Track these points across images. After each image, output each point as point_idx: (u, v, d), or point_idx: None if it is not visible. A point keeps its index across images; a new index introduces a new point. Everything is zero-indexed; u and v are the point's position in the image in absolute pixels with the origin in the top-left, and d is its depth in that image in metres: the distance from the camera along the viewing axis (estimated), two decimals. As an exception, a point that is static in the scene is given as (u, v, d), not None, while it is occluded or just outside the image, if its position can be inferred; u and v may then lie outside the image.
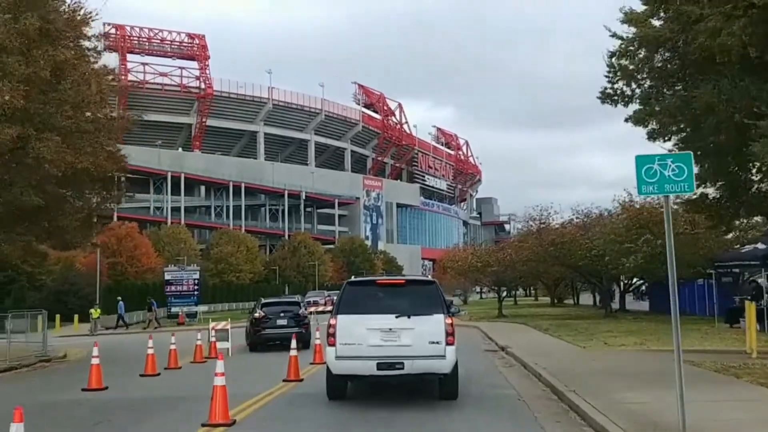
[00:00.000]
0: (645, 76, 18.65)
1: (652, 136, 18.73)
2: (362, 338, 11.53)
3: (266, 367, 19.43)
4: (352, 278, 14.35)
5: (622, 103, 19.05)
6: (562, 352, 19.85)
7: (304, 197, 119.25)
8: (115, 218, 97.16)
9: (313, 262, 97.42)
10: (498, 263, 35.97)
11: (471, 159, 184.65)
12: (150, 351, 18.33)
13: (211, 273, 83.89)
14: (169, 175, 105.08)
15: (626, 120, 19.01)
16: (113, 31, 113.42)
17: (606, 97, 19.08)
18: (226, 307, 72.32)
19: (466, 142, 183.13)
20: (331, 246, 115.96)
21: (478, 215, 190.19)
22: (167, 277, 42.85)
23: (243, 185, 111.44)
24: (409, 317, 11.62)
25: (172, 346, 20.22)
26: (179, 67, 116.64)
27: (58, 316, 43.83)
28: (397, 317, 11.59)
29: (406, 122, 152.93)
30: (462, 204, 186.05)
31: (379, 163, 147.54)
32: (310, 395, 13.24)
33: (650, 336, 22.50)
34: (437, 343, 11.51)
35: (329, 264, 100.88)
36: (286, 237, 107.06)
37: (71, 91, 21.10)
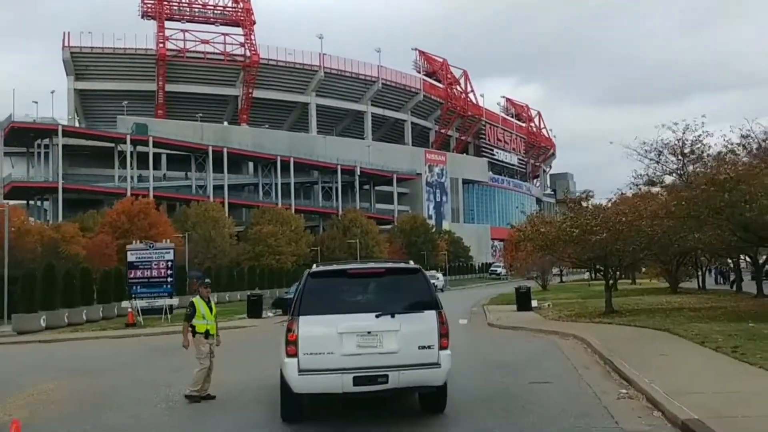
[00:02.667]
0: None
1: None
2: (333, 346, 9.06)
3: None
4: (314, 267, 10.14)
5: None
6: None
7: (359, 173, 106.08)
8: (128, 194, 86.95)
9: (367, 243, 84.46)
10: (607, 228, 21.88)
11: (544, 131, 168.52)
12: None
13: (248, 256, 71.91)
14: (211, 150, 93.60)
15: None
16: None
17: None
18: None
19: (539, 113, 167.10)
20: (389, 227, 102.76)
21: (552, 192, 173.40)
22: (131, 258, 30.26)
23: (292, 160, 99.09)
24: (393, 316, 9.21)
25: None
26: (222, 34, 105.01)
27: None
28: (377, 316, 9.17)
29: (472, 91, 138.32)
30: (534, 181, 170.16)
31: (442, 136, 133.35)
32: None
33: None
34: (429, 347, 9.25)
35: (385, 245, 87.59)
36: (339, 216, 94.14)
37: None
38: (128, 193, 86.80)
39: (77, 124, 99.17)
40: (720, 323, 18.52)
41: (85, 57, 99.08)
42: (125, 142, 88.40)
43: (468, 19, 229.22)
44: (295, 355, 9.03)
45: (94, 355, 20.62)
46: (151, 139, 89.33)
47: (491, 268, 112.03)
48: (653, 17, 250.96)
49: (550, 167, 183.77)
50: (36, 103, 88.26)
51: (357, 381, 8.90)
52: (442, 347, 9.30)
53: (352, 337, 9.10)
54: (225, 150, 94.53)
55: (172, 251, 31.04)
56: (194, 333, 11.87)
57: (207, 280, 13.19)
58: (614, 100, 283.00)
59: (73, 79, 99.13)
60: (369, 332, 9.14)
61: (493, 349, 17.86)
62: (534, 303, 31.84)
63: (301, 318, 9.18)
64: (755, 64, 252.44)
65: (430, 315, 9.41)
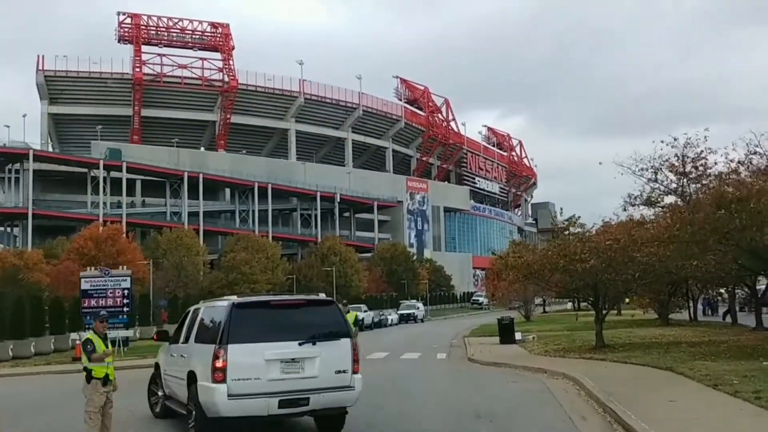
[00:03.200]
0: None
1: None
2: (260, 371, 9.69)
3: None
4: (236, 299, 10.67)
5: None
6: None
7: (338, 200, 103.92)
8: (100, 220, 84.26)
9: (345, 271, 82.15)
10: (597, 255, 19.85)
11: (525, 161, 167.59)
12: None
13: (221, 284, 69.27)
14: (186, 175, 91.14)
15: None
16: (128, 20, 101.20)
17: None
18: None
19: (520, 143, 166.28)
20: (369, 255, 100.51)
21: (534, 221, 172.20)
22: (84, 285, 27.75)
23: (270, 186, 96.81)
24: (314, 343, 10.00)
25: None
26: (201, 59, 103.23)
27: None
28: (300, 344, 9.92)
29: (454, 119, 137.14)
30: (516, 210, 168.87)
31: (424, 164, 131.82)
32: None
33: None
34: (344, 372, 10.22)
35: (364, 273, 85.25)
36: (317, 244, 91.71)
37: None
38: (100, 220, 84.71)
39: (51, 149, 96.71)
40: (727, 361, 16.42)
41: (60, 81, 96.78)
42: (98, 168, 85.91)
43: (450, 49, 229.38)
44: (223, 380, 9.48)
45: (16, 392, 18.18)
46: (124, 165, 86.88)
47: (473, 298, 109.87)
48: (640, 47, 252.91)
49: (532, 196, 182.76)
50: (8, 127, 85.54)
51: (282, 404, 9.63)
52: (354, 371, 10.26)
53: (276, 364, 9.75)
54: (201, 176, 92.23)
55: (128, 279, 28.55)
56: (89, 378, 9.68)
57: (103, 313, 11.12)
58: (598, 131, 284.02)
59: (47, 103, 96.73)
60: (293, 359, 9.85)
61: (473, 391, 15.64)
62: (518, 335, 29.67)
63: (230, 346, 9.60)
64: (743, 96, 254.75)
65: (345, 342, 10.27)
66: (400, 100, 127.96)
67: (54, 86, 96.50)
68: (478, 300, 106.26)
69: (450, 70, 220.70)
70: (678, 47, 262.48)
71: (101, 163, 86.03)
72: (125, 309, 27.78)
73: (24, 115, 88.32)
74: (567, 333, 32.32)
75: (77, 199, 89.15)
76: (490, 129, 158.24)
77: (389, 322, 57.55)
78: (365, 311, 48.57)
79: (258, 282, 70.82)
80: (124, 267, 34.81)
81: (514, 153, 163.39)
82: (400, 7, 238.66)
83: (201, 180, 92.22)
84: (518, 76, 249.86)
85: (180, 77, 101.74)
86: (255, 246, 75.39)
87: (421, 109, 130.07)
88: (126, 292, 27.82)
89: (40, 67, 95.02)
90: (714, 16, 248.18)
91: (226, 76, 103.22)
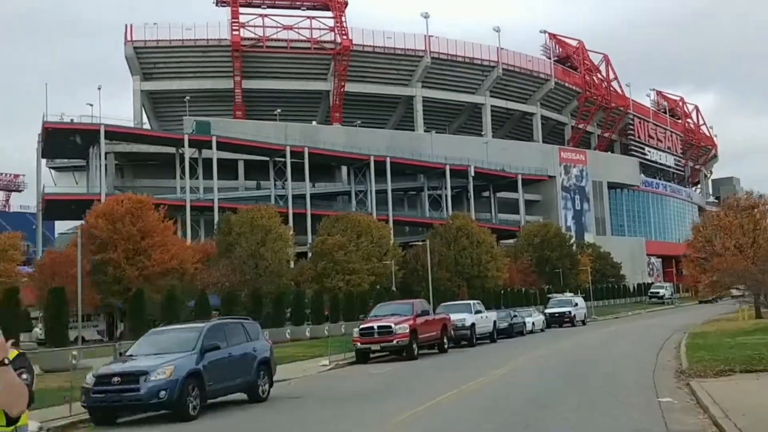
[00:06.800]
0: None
1: None
2: None
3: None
4: None
5: None
6: None
7: (473, 174, 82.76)
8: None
9: (479, 257, 61.39)
10: None
11: (703, 128, 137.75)
12: None
13: (308, 276, 50.94)
14: (289, 150, 74.02)
15: None
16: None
17: None
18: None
19: (696, 108, 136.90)
20: (513, 241, 78.77)
21: (716, 200, 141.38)
22: None
23: (388, 160, 77.64)
24: None
25: None
26: (308, 17, 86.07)
27: None
28: None
29: (616, 78, 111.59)
30: (695, 187, 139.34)
31: (580, 132, 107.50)
32: None
33: None
34: None
35: (504, 261, 63.88)
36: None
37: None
38: (187, 206, 69.65)
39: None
40: None
41: (152, 52, 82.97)
42: (184, 145, 70.73)
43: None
44: None
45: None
46: (214, 139, 70.92)
47: (651, 290, 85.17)
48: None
49: (711, 172, 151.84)
50: (91, 105, 71.98)
51: None
52: None
53: None
54: (306, 150, 74.70)
55: None
56: None
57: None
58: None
59: (139, 79, 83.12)
60: None
61: None
62: None
63: None
64: None
65: None
66: (549, 59, 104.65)
67: (146, 59, 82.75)
68: (657, 292, 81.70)
69: (614, 40, 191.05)
70: None
71: (186, 138, 70.72)
72: None
73: (99, 88, 74.23)
74: None
75: (167, 185, 74.74)
76: (659, 93, 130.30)
77: (529, 327, 36.07)
78: (477, 311, 27.53)
79: (357, 272, 51.71)
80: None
81: (689, 120, 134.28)
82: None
83: (306, 155, 74.74)
84: (704, 48, 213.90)
85: (285, 40, 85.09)
86: (356, 227, 56.30)
87: (574, 69, 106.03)
88: None
89: (129, 38, 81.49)
90: None
91: (338, 36, 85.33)
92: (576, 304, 45.02)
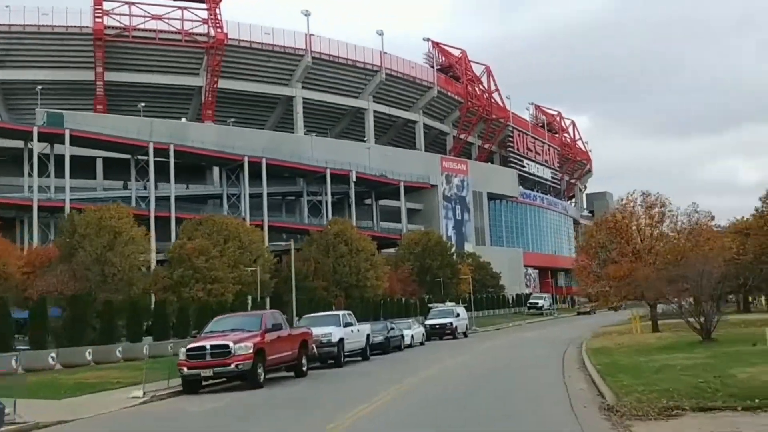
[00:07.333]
0: None
1: None
2: None
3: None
4: None
5: None
6: None
7: (354, 178, 78.67)
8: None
9: (358, 265, 57.19)
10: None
11: (579, 143, 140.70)
12: None
13: (162, 284, 44.85)
14: (152, 146, 67.18)
15: None
16: (88, -37, 77.67)
17: None
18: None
19: (573, 123, 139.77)
20: (393, 250, 75.17)
21: (590, 213, 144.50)
22: None
23: (264, 161, 72.14)
24: None
25: None
26: (180, 8, 79.35)
27: None
28: None
29: (497, 90, 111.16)
30: (570, 201, 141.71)
31: (461, 142, 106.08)
32: None
33: None
34: None
35: (384, 269, 59.98)
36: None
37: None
38: (34, 205, 61.63)
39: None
40: None
41: (2, 38, 73.75)
42: (33, 138, 62.54)
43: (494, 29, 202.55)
44: None
45: None
46: (67, 133, 63.03)
47: (531, 300, 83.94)
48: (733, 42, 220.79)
49: (586, 186, 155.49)
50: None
51: None
52: None
53: None
54: (172, 147, 68.10)
55: None
56: None
57: None
58: (662, 131, 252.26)
59: (-14, 67, 73.71)
60: None
61: None
62: None
63: None
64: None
65: None
66: (432, 67, 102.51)
67: (-5, 44, 73.44)
68: (537, 303, 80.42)
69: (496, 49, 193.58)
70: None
71: (35, 130, 62.57)
72: None
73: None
74: None
75: (17, 182, 66.20)
76: (537, 107, 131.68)
77: (408, 340, 31.89)
78: (347, 324, 22.86)
79: (220, 281, 46.01)
80: None
81: (566, 134, 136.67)
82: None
83: (172, 152, 68.14)
84: (581, 70, 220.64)
85: (154, 30, 78.01)
86: (222, 231, 50.64)
87: (457, 79, 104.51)
88: None
89: (-26, 20, 71.97)
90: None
91: (212, 29, 79.12)
92: (458, 315, 41.44)
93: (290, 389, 16.63)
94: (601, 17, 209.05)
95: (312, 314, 27.17)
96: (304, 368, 18.97)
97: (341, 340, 21.87)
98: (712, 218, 28.98)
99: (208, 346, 16.14)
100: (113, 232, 44.97)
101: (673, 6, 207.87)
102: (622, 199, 29.98)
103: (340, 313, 23.74)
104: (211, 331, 17.53)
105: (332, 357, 21.69)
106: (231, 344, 15.97)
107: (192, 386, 16.35)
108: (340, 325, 22.43)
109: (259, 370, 16.31)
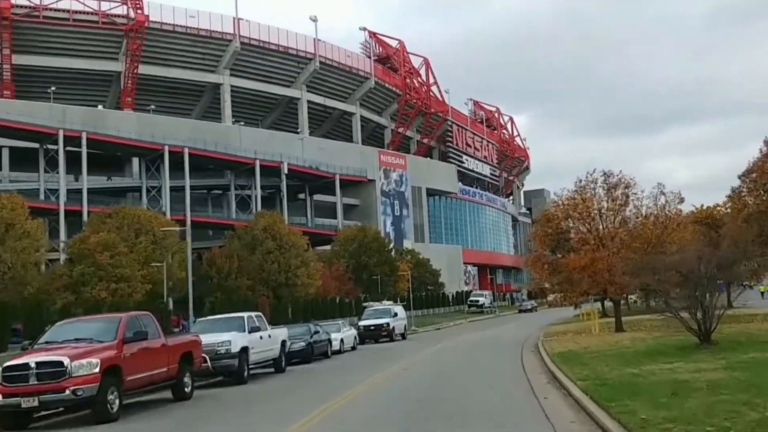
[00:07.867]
0: None
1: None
2: None
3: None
4: None
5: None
6: None
7: (286, 171, 73.51)
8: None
9: (288, 262, 52.24)
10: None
11: (518, 140, 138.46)
12: None
13: (61, 283, 39.02)
14: (62, 134, 60.71)
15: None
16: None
17: None
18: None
19: (511, 119, 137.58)
20: (328, 247, 70.36)
21: (528, 211, 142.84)
22: None
23: (186, 151, 66.28)
24: None
25: None
26: (95, -13, 72.75)
27: None
28: None
29: (436, 83, 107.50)
30: (508, 198, 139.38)
31: (400, 136, 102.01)
32: None
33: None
34: None
35: (317, 266, 55.15)
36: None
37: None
38: None
39: None
40: None
41: None
42: None
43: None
44: None
45: None
46: (-39, 118, 56.12)
47: (471, 298, 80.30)
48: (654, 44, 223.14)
49: (523, 184, 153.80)
50: None
51: None
52: None
53: None
54: (84, 135, 61.71)
55: None
56: None
57: None
58: (595, 130, 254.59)
59: None
60: None
61: None
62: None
63: None
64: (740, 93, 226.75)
65: None
66: (369, 57, 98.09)
67: None
68: (477, 300, 76.89)
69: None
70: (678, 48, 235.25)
71: None
72: None
73: None
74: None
75: None
76: (476, 102, 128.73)
77: (336, 345, 27.17)
78: (254, 329, 17.78)
79: (127, 279, 40.38)
80: None
81: (504, 131, 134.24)
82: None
83: (84, 141, 61.77)
84: (520, 74, 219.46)
85: (68, 11, 71.23)
86: (134, 225, 44.97)
87: (395, 70, 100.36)
88: None
89: None
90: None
91: (131, 10, 72.79)
92: (395, 315, 36.94)
93: (156, 425, 11.73)
94: (537, 24, 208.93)
95: (208, 317, 22.09)
96: (187, 388, 14.09)
97: (244, 349, 17.02)
98: (682, 200, 25.45)
99: (32, 364, 11.14)
100: (4, 224, 38.98)
101: (609, 10, 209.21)
102: (580, 180, 26.01)
103: (246, 315, 18.72)
104: (46, 342, 12.48)
105: (232, 371, 16.85)
106: (66, 361, 11.01)
107: (14, 420, 11.38)
108: (244, 330, 17.58)
109: (111, 396, 11.40)
